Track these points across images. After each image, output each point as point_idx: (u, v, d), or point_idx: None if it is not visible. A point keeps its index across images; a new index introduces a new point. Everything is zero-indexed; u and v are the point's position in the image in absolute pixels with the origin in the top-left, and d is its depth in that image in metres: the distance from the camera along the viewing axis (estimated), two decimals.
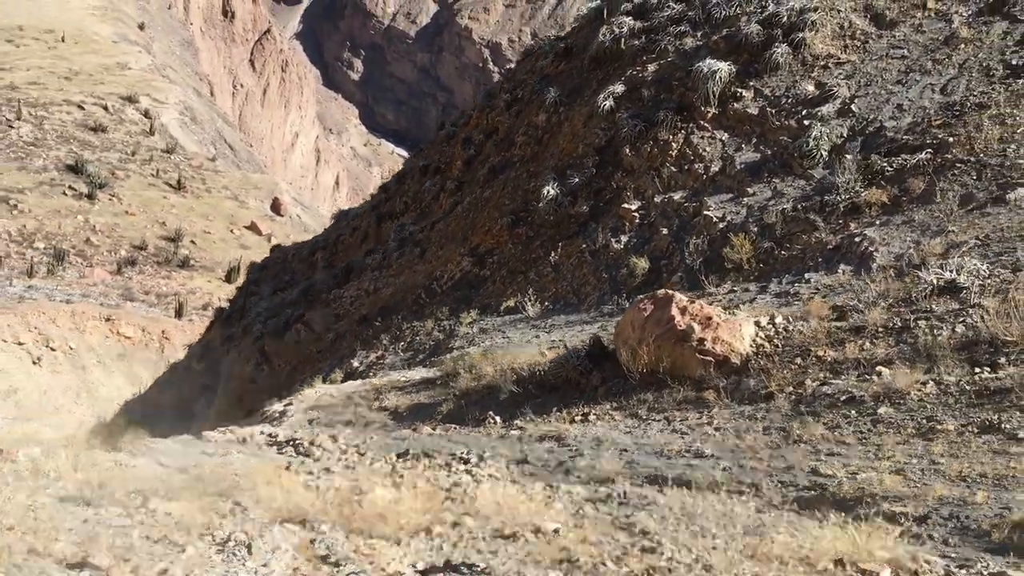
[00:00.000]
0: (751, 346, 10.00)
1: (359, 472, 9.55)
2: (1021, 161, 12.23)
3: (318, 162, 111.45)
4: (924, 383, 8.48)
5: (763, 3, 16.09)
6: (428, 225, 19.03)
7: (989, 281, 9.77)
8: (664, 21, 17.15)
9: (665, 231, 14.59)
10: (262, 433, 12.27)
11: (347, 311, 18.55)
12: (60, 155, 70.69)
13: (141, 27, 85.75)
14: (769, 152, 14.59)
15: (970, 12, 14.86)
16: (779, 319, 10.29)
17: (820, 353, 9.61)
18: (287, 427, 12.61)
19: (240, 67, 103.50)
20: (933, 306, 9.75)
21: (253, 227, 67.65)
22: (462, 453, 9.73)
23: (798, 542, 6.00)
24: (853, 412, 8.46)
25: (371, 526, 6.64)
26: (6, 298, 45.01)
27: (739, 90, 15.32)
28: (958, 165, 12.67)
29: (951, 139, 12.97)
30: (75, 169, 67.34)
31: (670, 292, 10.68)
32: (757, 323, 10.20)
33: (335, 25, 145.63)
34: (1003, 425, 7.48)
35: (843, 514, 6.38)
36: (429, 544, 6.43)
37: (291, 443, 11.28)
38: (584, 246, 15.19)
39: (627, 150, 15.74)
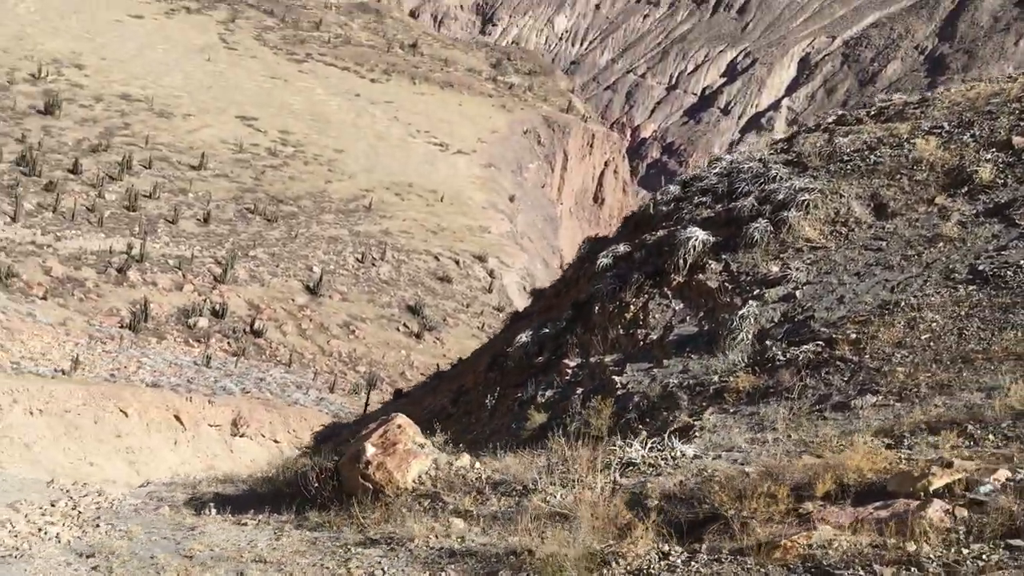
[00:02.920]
0: (414, 482, 8.79)
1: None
2: (899, 369, 9.89)
3: None
4: (446, 536, 7.03)
5: (781, 182, 14.46)
6: (459, 362, 18.74)
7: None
8: (695, 191, 15.93)
9: (581, 391, 13.24)
10: (97, 487, 12.63)
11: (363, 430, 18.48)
12: (405, 296, 77.21)
13: (511, 199, 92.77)
14: (707, 327, 12.88)
15: (973, 211, 12.38)
16: (461, 462, 8.96)
17: (447, 499, 8.25)
18: (125, 493, 12.83)
19: None
20: (591, 478, 8.05)
21: None
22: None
23: None
24: (355, 550, 7.19)
25: None
26: (284, 399, 49.37)
27: (711, 261, 13.76)
28: (839, 363, 10.48)
29: (854, 336, 10.78)
30: (413, 310, 73.22)
31: (397, 414, 9.75)
32: (435, 461, 8.95)
33: None
34: None
35: None
36: None
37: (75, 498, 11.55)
38: (519, 395, 14.15)
39: (597, 308, 14.59)
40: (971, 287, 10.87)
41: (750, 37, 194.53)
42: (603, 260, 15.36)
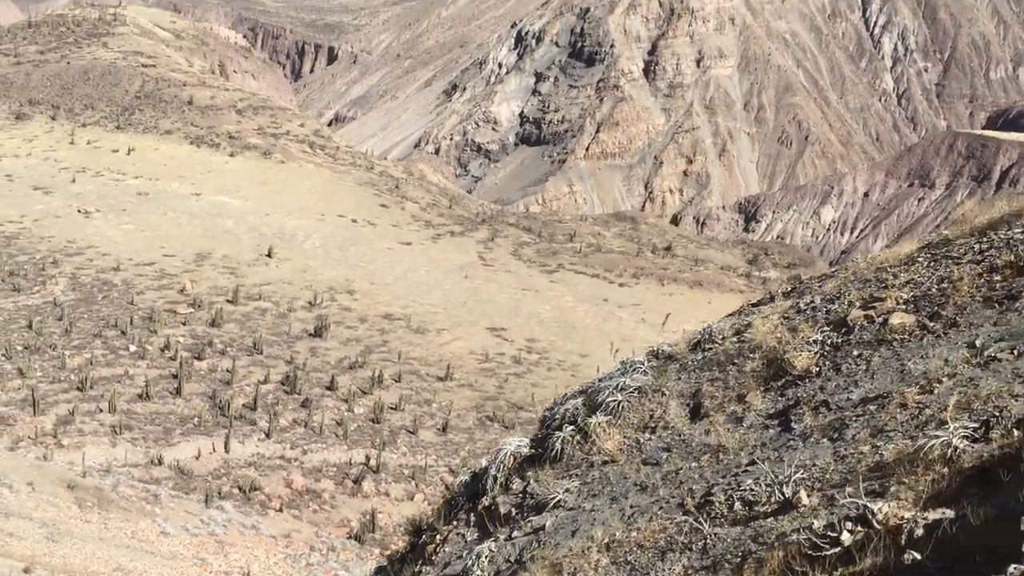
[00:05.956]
0: None
1: None
2: None
3: None
4: None
5: (612, 379, 11.63)
6: None
7: None
8: (589, 389, 13.24)
9: None
10: None
11: None
12: None
13: None
14: (468, 565, 10.23)
15: (771, 410, 9.06)
16: None
17: None
18: None
19: None
20: None
21: None
22: None
23: None
24: None
25: None
26: None
27: (516, 479, 11.09)
28: None
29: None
30: None
31: None
32: None
33: None
34: None
35: None
36: None
37: None
38: None
39: (424, 537, 12.20)
40: (684, 518, 7.78)
41: None
42: (461, 477, 13.06)
